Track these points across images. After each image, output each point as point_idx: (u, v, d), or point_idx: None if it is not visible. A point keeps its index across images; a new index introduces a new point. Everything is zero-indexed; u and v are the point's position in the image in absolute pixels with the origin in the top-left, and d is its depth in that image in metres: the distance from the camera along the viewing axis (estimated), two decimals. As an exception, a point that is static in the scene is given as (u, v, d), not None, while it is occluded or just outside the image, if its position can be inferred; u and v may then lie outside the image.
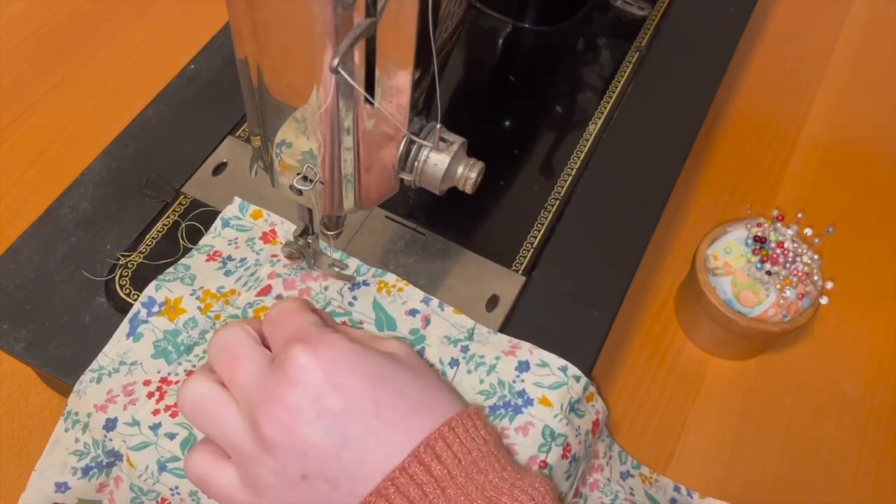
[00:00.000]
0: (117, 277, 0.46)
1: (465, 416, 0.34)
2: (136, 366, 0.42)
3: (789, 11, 0.75)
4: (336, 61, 0.29)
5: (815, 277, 0.50)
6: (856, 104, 0.69)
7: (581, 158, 0.54)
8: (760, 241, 0.50)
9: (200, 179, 0.50)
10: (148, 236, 0.47)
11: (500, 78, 0.59)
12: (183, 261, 0.46)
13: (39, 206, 0.49)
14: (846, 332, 0.57)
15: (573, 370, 0.43)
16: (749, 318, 0.49)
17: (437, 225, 0.49)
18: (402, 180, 0.39)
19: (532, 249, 0.49)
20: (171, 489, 0.39)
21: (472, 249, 0.48)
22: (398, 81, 0.34)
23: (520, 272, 0.48)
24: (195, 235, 0.47)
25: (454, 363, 0.43)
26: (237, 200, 0.48)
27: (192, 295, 0.44)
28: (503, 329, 0.45)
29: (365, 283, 0.45)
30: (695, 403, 0.53)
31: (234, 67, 0.35)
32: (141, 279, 0.45)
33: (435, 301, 0.45)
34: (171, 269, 0.45)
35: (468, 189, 0.39)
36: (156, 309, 0.43)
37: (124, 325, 0.43)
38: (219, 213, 0.48)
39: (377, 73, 0.33)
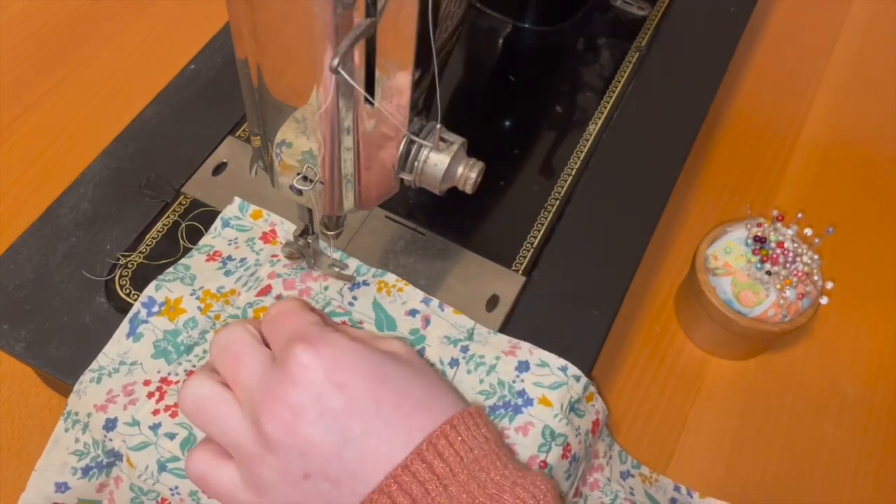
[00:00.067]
0: (117, 277, 0.46)
1: (467, 415, 0.34)
2: (136, 366, 0.42)
3: (789, 11, 0.75)
4: (336, 61, 0.29)
5: (815, 277, 0.50)
6: (856, 104, 0.69)
7: (581, 158, 0.54)
8: (760, 241, 0.50)
9: (200, 179, 0.50)
10: (148, 236, 0.47)
11: (500, 78, 0.59)
12: (183, 261, 0.46)
13: (39, 206, 0.49)
14: (846, 332, 0.57)
15: (573, 370, 0.43)
16: (749, 318, 0.49)
17: (437, 225, 0.49)
18: (402, 180, 0.39)
19: (532, 249, 0.49)
20: (171, 489, 0.39)
21: (472, 249, 0.48)
22: (398, 81, 0.34)
23: (520, 272, 0.48)
24: (195, 235, 0.47)
25: (454, 363, 0.43)
26: (237, 200, 0.48)
27: (192, 295, 0.44)
28: (503, 329, 0.45)
29: (365, 284, 0.45)
30: (695, 403, 0.53)
31: (234, 67, 0.35)
32: (141, 279, 0.45)
33: (435, 301, 0.45)
34: (171, 269, 0.45)
35: (468, 189, 0.39)
36: (156, 309, 0.43)
37: (124, 325, 0.43)
38: (219, 213, 0.48)
39: (377, 73, 0.33)
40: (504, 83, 0.59)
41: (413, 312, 0.44)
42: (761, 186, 0.64)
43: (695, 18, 0.63)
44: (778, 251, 0.49)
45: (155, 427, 0.39)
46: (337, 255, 0.47)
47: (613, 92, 0.58)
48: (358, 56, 0.31)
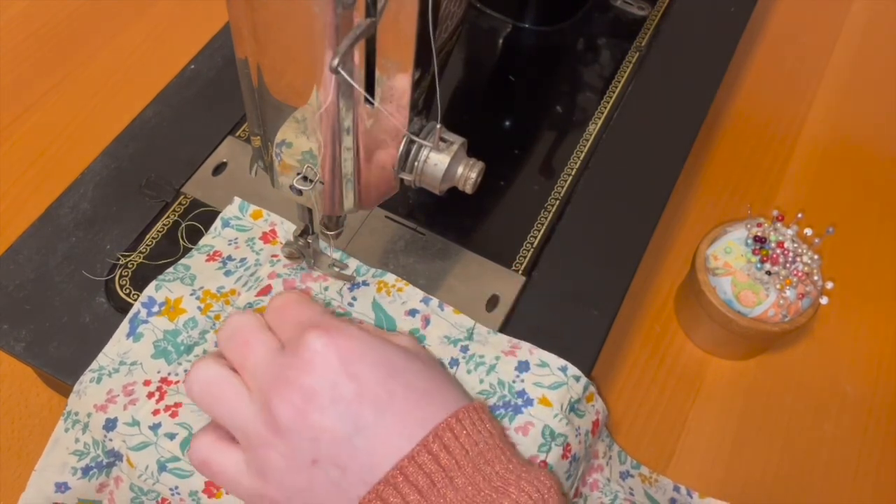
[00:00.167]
0: (117, 277, 0.46)
1: (472, 410, 0.35)
2: (136, 366, 0.42)
3: (789, 11, 0.75)
4: (336, 61, 0.29)
5: (815, 277, 0.50)
6: (856, 104, 0.69)
7: (581, 158, 0.54)
8: (760, 241, 0.50)
9: (200, 179, 0.50)
10: (148, 236, 0.47)
11: (500, 78, 0.59)
12: (183, 261, 0.46)
13: (39, 206, 0.49)
14: (846, 332, 0.57)
15: (573, 370, 0.43)
16: (749, 318, 0.49)
17: (437, 225, 0.49)
18: (402, 180, 0.39)
19: (532, 249, 0.49)
20: (171, 489, 0.39)
21: (472, 249, 0.48)
22: (398, 81, 0.34)
23: (520, 272, 0.48)
24: (195, 235, 0.47)
25: (454, 363, 0.43)
26: (237, 200, 0.48)
27: (192, 295, 0.44)
28: (503, 329, 0.45)
29: (364, 284, 0.45)
30: (695, 403, 0.53)
31: (234, 67, 0.35)
32: (141, 279, 0.45)
33: (435, 301, 0.45)
34: (171, 269, 0.45)
35: (468, 189, 0.39)
36: (156, 309, 0.43)
37: (124, 325, 0.43)
38: (219, 213, 0.48)
39: (377, 73, 0.33)
40: (504, 83, 0.59)
41: (413, 312, 0.44)
42: (761, 186, 0.64)
43: (695, 18, 0.63)
44: (778, 251, 0.49)
45: (155, 427, 0.39)
46: (337, 255, 0.47)
47: (613, 92, 0.58)
48: (358, 56, 0.31)
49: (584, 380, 0.43)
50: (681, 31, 0.62)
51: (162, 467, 0.39)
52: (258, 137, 0.37)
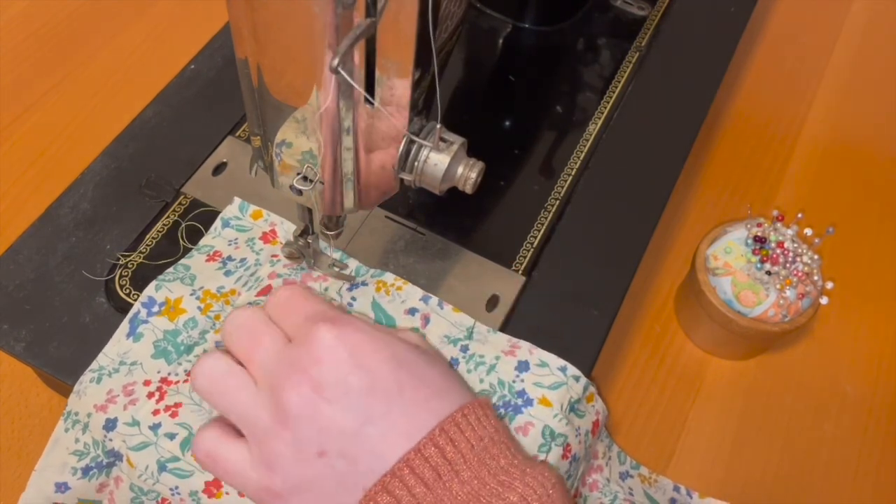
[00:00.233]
0: (117, 277, 0.46)
1: (477, 406, 0.35)
2: (136, 366, 0.42)
3: (789, 11, 0.75)
4: (336, 61, 0.29)
5: (815, 277, 0.50)
6: (856, 104, 0.69)
7: (581, 158, 0.54)
8: (760, 241, 0.50)
9: (200, 179, 0.50)
10: (148, 236, 0.47)
11: (500, 78, 0.59)
12: (183, 261, 0.46)
13: (39, 206, 0.49)
14: (846, 332, 0.57)
15: (572, 370, 0.43)
16: (749, 318, 0.49)
17: (437, 225, 0.49)
18: (402, 180, 0.39)
19: (532, 249, 0.49)
20: (171, 489, 0.39)
21: (472, 249, 0.48)
22: (398, 81, 0.34)
23: (520, 272, 0.48)
24: (195, 235, 0.47)
25: (454, 362, 0.43)
26: (237, 200, 0.48)
27: (192, 295, 0.44)
28: (503, 329, 0.45)
29: (363, 284, 0.45)
30: (695, 403, 0.53)
31: (234, 67, 0.35)
32: (141, 279, 0.45)
33: (434, 299, 0.45)
34: (171, 269, 0.45)
35: (468, 189, 0.39)
36: (156, 309, 0.43)
37: (124, 325, 0.43)
38: (219, 213, 0.48)
39: (377, 73, 0.33)
40: (504, 83, 0.59)
41: (412, 311, 0.44)
42: (761, 186, 0.63)
43: (695, 18, 0.62)
44: (778, 251, 0.49)
45: (155, 427, 0.39)
46: (337, 255, 0.47)
47: (613, 92, 0.58)
48: (358, 56, 0.31)
49: (583, 380, 0.43)
50: (681, 31, 0.62)
51: (162, 467, 0.39)
52: (258, 137, 0.37)
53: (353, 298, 0.45)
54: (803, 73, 0.71)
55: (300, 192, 0.37)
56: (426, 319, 0.44)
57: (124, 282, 0.46)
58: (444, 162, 0.37)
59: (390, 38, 0.32)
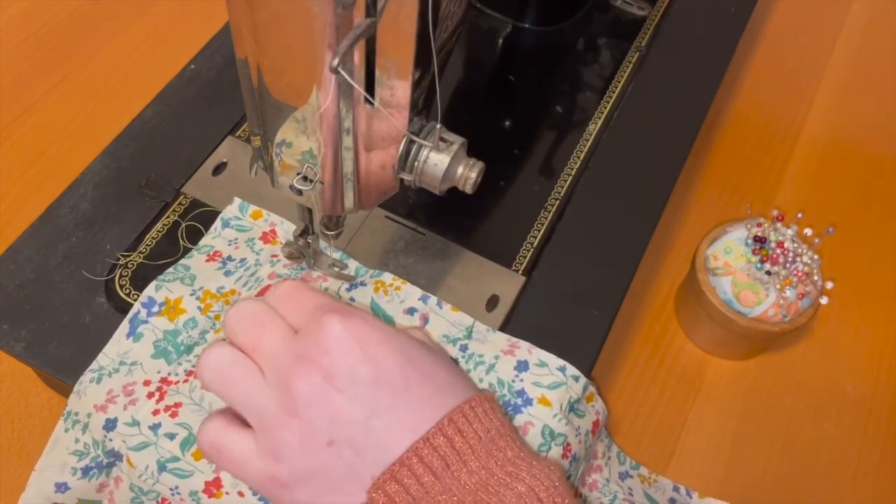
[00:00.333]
0: (117, 277, 0.46)
1: (483, 399, 0.35)
2: (136, 366, 0.42)
3: (789, 11, 0.75)
4: (336, 61, 0.29)
5: (815, 277, 0.50)
6: (856, 104, 0.69)
7: (581, 158, 0.54)
8: (760, 241, 0.50)
9: (200, 179, 0.50)
10: (148, 236, 0.47)
11: (500, 78, 0.59)
12: (183, 261, 0.46)
13: (39, 206, 0.49)
14: (846, 332, 0.57)
15: (572, 370, 0.43)
16: (749, 318, 0.49)
17: (437, 225, 0.49)
18: (402, 180, 0.39)
19: (532, 249, 0.49)
20: (171, 489, 0.39)
21: (472, 249, 0.48)
22: (398, 81, 0.34)
23: (520, 272, 0.48)
24: (195, 235, 0.47)
25: (454, 362, 0.43)
26: (237, 201, 0.48)
27: (192, 295, 0.44)
28: (503, 329, 0.45)
29: (362, 284, 0.45)
30: (695, 403, 0.53)
31: (234, 67, 0.35)
32: (141, 279, 0.45)
33: (433, 299, 0.45)
34: (171, 270, 0.45)
35: (468, 189, 0.39)
36: (156, 309, 0.43)
37: (124, 325, 0.43)
38: (219, 213, 0.48)
39: (377, 73, 0.33)
40: (504, 83, 0.59)
41: (411, 311, 0.44)
42: (761, 186, 0.64)
43: (695, 18, 0.62)
44: (778, 251, 0.49)
45: (155, 427, 0.39)
46: (337, 255, 0.47)
47: (613, 92, 0.58)
48: (358, 56, 0.31)
49: (583, 380, 0.43)
50: (681, 31, 0.62)
51: (162, 467, 0.39)
52: (258, 137, 0.37)
53: (352, 299, 0.45)
54: (803, 73, 0.71)
55: (300, 192, 0.37)
56: (425, 319, 0.44)
57: (124, 282, 0.46)
58: (444, 162, 0.37)
59: (390, 38, 0.32)
